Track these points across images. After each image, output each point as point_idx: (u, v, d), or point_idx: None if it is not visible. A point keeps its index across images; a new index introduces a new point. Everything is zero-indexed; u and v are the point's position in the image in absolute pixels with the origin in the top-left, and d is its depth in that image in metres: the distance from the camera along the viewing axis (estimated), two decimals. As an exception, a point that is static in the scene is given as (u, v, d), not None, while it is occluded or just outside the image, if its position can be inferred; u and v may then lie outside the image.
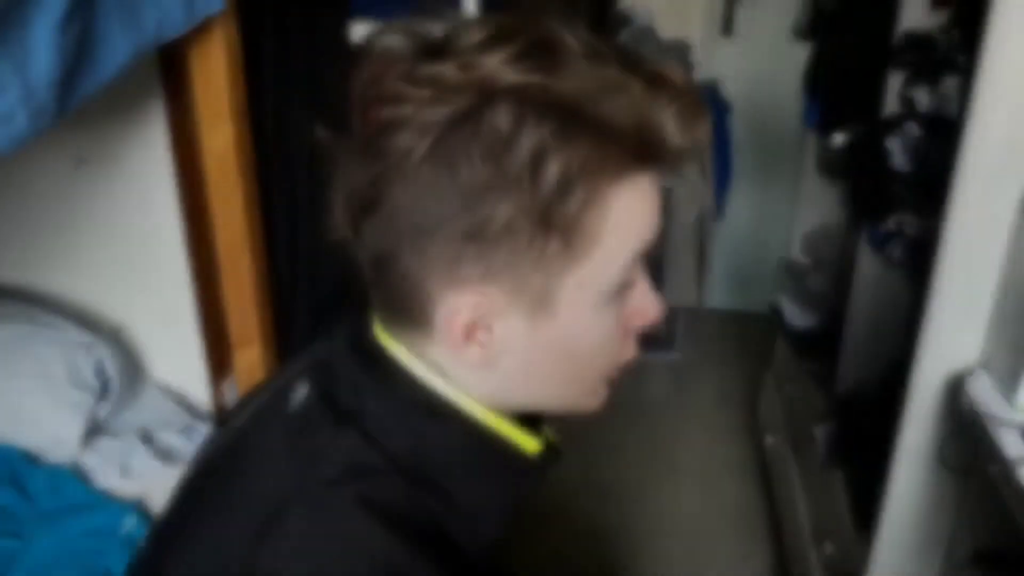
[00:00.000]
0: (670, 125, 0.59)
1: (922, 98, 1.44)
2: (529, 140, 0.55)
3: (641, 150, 0.59)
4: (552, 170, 0.56)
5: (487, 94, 0.56)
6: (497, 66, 0.56)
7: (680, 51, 3.05)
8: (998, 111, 1.13)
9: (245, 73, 1.34)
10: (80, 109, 0.92)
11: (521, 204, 0.57)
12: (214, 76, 1.27)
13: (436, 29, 0.61)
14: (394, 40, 0.60)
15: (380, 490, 0.61)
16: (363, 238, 0.64)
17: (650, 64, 0.60)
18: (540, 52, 0.57)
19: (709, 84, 3.22)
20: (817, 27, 2.39)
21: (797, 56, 2.32)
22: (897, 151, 1.47)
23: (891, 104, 1.70)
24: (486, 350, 0.63)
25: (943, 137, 1.37)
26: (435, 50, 0.59)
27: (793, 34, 2.78)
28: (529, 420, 0.73)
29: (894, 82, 1.68)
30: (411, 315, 0.64)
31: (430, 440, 0.65)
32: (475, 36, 0.58)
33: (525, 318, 0.63)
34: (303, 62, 1.51)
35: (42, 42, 0.81)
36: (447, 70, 0.56)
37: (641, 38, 3.00)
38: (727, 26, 3.20)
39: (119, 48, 0.95)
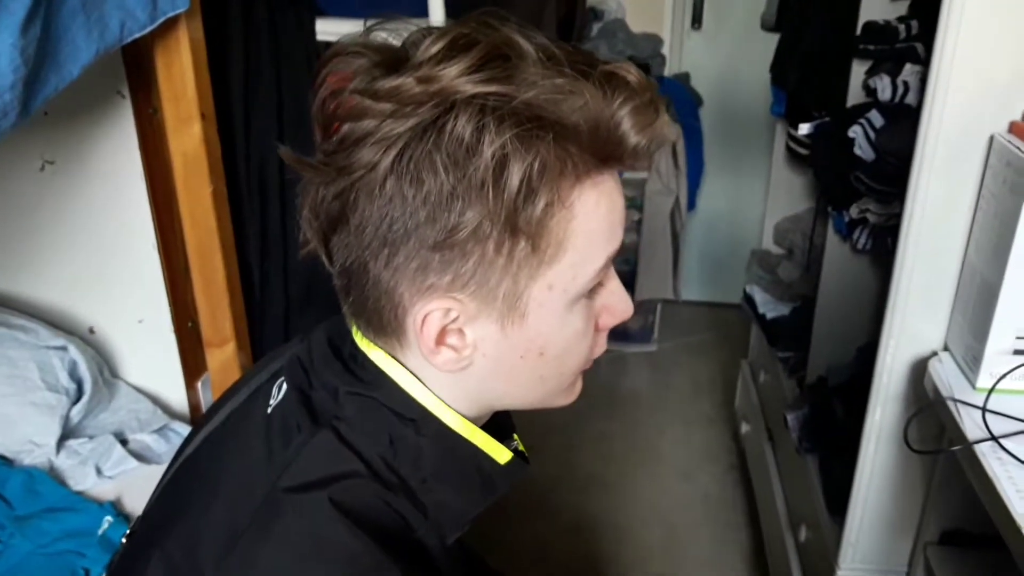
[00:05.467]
0: (627, 124, 0.60)
1: (884, 87, 1.46)
2: (491, 147, 0.56)
3: (601, 151, 0.61)
4: (515, 175, 0.57)
5: (447, 105, 0.57)
6: (456, 78, 0.57)
7: (651, 45, 3.06)
8: (954, 99, 1.15)
9: (212, 72, 1.34)
10: (46, 112, 0.92)
11: (486, 211, 0.58)
12: (180, 76, 1.27)
13: (392, 39, 0.62)
14: (351, 54, 0.61)
15: (352, 493, 0.62)
16: (332, 251, 0.65)
17: (605, 65, 0.61)
18: (497, 61, 0.58)
19: (680, 77, 3.24)
20: (783, 18, 2.41)
21: (765, 48, 2.33)
22: (860, 140, 1.49)
23: (856, 93, 1.72)
24: (458, 354, 0.64)
25: (905, 125, 1.38)
26: (393, 63, 0.60)
27: (761, 26, 2.80)
28: (499, 426, 0.75)
29: (858, 72, 1.70)
30: (383, 322, 0.65)
31: (404, 446, 0.66)
32: (432, 48, 0.58)
33: (496, 322, 0.64)
34: (270, 60, 1.51)
35: (3, 44, 0.81)
36: (407, 83, 0.57)
37: (612, 32, 3.01)
38: (696, 19, 3.22)
39: (82, 48, 0.96)
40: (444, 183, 0.57)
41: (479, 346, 0.65)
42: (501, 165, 0.57)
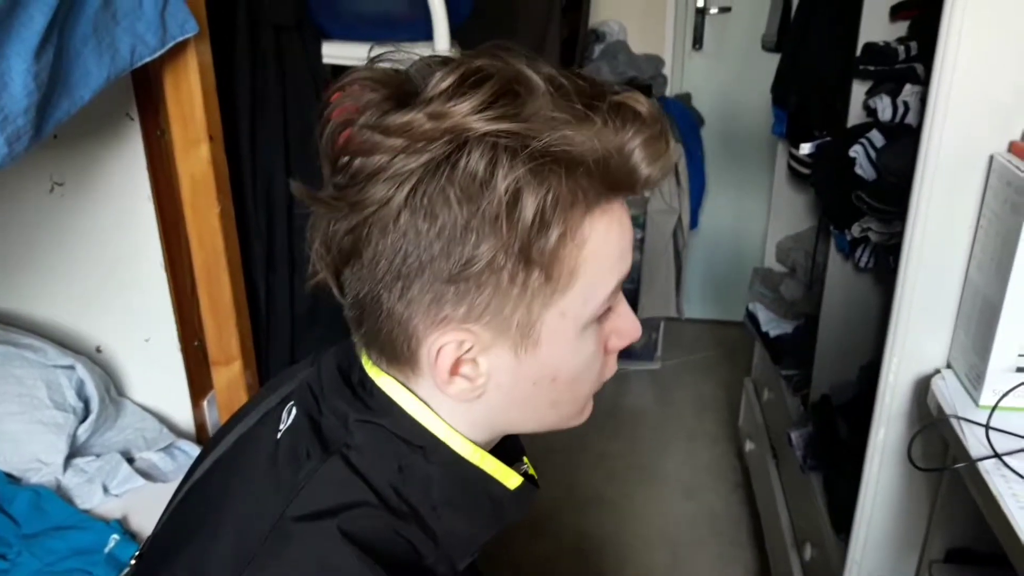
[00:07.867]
0: (638, 156, 0.61)
1: (884, 107, 1.47)
2: (504, 181, 0.57)
3: (611, 181, 0.61)
4: (528, 208, 0.57)
5: (460, 142, 0.57)
6: (467, 115, 0.57)
7: (652, 65, 3.09)
8: (954, 119, 1.16)
9: (219, 94, 1.36)
10: (55, 134, 0.94)
11: (500, 243, 0.58)
12: (188, 98, 1.28)
13: (401, 67, 0.62)
14: (359, 86, 0.61)
15: (361, 522, 0.62)
16: (344, 283, 0.65)
17: (614, 95, 0.62)
18: (507, 97, 0.58)
19: (681, 97, 3.26)
20: (784, 39, 2.43)
21: (766, 68, 2.35)
22: (861, 159, 1.50)
23: (856, 113, 1.74)
24: (472, 384, 0.65)
25: (905, 145, 1.40)
26: (403, 97, 0.60)
27: (761, 46, 2.82)
28: (508, 449, 0.75)
29: (858, 92, 1.71)
30: (396, 352, 0.65)
31: (413, 473, 0.65)
32: (443, 83, 0.58)
33: (510, 351, 0.64)
34: (276, 83, 1.53)
35: (17, 70, 0.83)
36: (417, 119, 0.57)
37: (613, 54, 3.03)
38: (697, 40, 3.24)
39: (93, 73, 0.97)
40: (458, 217, 0.57)
41: (493, 375, 0.65)
42: (515, 198, 0.57)
